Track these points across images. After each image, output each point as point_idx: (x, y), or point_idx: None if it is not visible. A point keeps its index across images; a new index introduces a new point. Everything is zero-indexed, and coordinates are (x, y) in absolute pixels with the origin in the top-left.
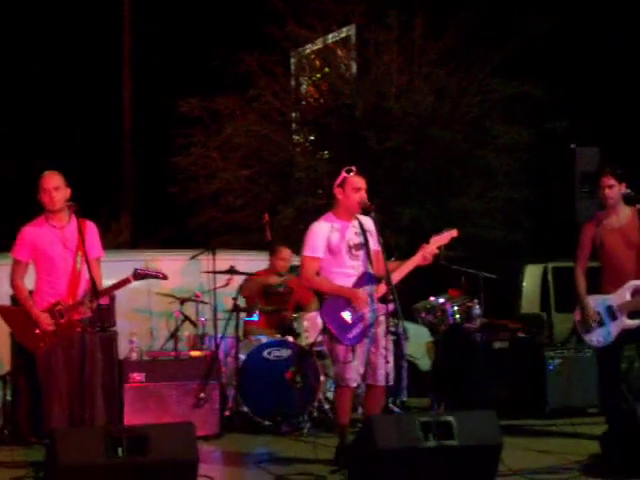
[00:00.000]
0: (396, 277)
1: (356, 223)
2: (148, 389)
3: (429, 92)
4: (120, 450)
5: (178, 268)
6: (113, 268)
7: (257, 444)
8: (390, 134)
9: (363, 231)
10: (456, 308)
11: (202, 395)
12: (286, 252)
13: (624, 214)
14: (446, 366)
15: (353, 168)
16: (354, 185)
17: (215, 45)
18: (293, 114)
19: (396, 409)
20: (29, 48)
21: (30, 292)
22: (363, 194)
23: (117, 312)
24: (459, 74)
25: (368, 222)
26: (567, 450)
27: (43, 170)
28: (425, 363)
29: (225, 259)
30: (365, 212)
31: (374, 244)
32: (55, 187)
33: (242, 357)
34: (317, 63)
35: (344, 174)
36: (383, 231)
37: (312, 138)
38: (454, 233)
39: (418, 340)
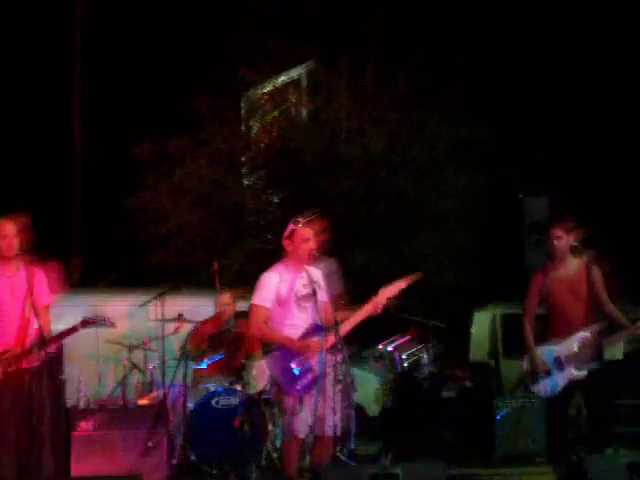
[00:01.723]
0: (346, 327)
1: (304, 274)
2: (96, 437)
3: (380, 137)
4: None
5: (126, 312)
6: (61, 312)
7: None
8: (340, 179)
9: (311, 281)
10: (405, 356)
11: (150, 444)
12: (226, 297)
13: (572, 265)
14: (395, 414)
15: (300, 219)
16: (303, 237)
17: (167, 87)
18: (243, 158)
19: (344, 458)
20: None
21: None
22: (312, 244)
23: (65, 356)
24: (410, 119)
25: (317, 273)
26: None
27: None
28: (373, 409)
29: (174, 305)
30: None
31: (322, 295)
32: (14, 234)
33: (190, 405)
34: (267, 106)
35: (292, 226)
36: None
37: (262, 183)
38: (402, 284)
39: (366, 386)
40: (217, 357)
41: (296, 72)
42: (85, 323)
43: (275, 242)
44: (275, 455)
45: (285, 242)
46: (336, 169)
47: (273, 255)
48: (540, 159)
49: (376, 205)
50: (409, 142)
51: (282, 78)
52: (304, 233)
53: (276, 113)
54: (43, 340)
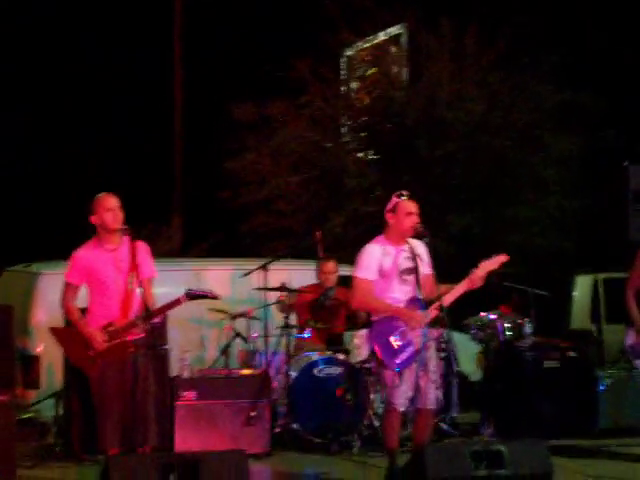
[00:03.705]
0: (446, 301)
1: (407, 247)
2: (199, 407)
3: (481, 99)
4: (172, 477)
5: (228, 278)
6: (163, 278)
7: (307, 464)
8: (441, 142)
9: (414, 256)
10: (507, 325)
11: (253, 413)
12: (329, 266)
13: None
14: (496, 384)
15: (404, 192)
16: (406, 210)
17: (268, 51)
18: (343, 120)
19: (446, 427)
20: (82, 49)
21: (82, 310)
22: (415, 219)
23: (169, 321)
24: (511, 80)
25: (419, 246)
26: (617, 474)
27: (94, 175)
28: (476, 376)
29: (277, 272)
30: (418, 237)
31: (425, 269)
32: (119, 206)
33: (293, 374)
34: (367, 64)
35: (395, 199)
36: (433, 240)
37: (362, 144)
38: (503, 258)
39: (468, 353)
40: (319, 326)
41: (396, 29)
42: (189, 295)
43: (376, 204)
44: (377, 424)
45: (388, 214)
46: (437, 131)
47: (374, 218)
48: None
49: (477, 168)
50: (510, 104)
51: (381, 35)
52: (408, 206)
53: (376, 69)
54: (148, 313)
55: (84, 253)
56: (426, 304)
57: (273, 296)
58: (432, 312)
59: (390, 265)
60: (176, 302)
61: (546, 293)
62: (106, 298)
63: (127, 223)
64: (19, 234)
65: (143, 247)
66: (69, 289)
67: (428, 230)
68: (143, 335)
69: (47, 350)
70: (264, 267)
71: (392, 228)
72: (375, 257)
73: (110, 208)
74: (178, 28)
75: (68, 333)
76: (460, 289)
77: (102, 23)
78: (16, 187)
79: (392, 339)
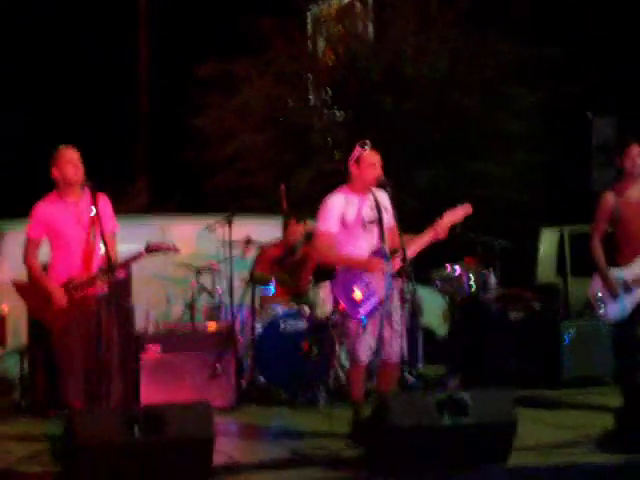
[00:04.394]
0: (410, 252)
1: (371, 197)
2: (164, 361)
3: (445, 54)
4: (136, 429)
5: (194, 234)
6: (128, 234)
7: (273, 416)
8: (406, 97)
9: (378, 206)
10: (472, 277)
11: (218, 367)
12: (297, 229)
13: None
14: (462, 336)
15: (367, 142)
16: (370, 161)
17: (232, 8)
18: (309, 76)
19: (411, 379)
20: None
21: (44, 267)
22: (379, 169)
23: (134, 278)
24: (475, 36)
25: (383, 197)
26: (581, 423)
27: (54, 132)
28: (441, 330)
29: (241, 225)
30: (381, 187)
31: (389, 220)
32: (79, 159)
33: (258, 328)
34: (333, 23)
35: (359, 149)
36: (399, 194)
37: (329, 101)
38: (468, 209)
39: (433, 307)
40: (284, 279)
41: None
42: (150, 249)
43: (341, 162)
44: (343, 377)
45: (352, 165)
46: (402, 87)
47: (340, 175)
48: (610, 78)
49: (441, 124)
50: (474, 59)
51: None
52: (371, 157)
53: (341, 27)
54: (110, 267)
55: (44, 207)
56: (390, 255)
57: (238, 251)
58: (396, 263)
59: (354, 215)
60: (138, 255)
61: (510, 244)
62: (67, 252)
63: (90, 179)
64: None
65: (104, 200)
66: (30, 244)
67: (391, 180)
68: (106, 290)
69: (13, 309)
70: (228, 219)
71: (356, 179)
72: (337, 208)
73: (70, 160)
74: None
75: (31, 288)
76: (425, 239)
77: None
78: None
79: (355, 289)
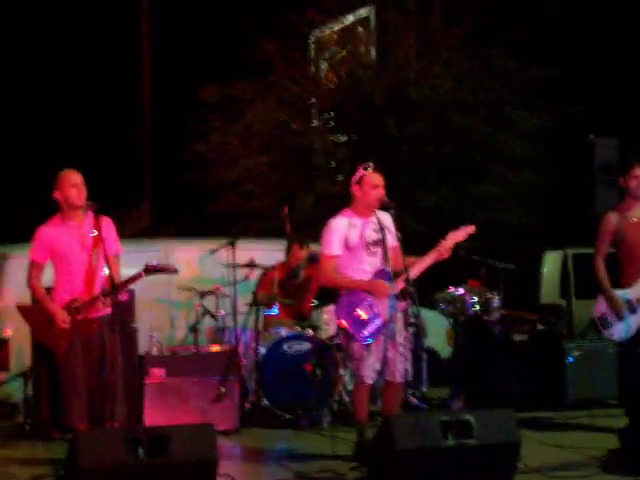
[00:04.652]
0: (413, 273)
1: (374, 219)
2: (168, 384)
3: (448, 77)
4: (141, 451)
5: (198, 258)
6: (132, 258)
7: (277, 439)
8: (409, 120)
9: (381, 227)
10: (475, 299)
11: (222, 390)
12: (300, 253)
13: None
14: (465, 358)
15: (370, 164)
16: (372, 182)
17: (234, 31)
18: (312, 99)
19: (415, 401)
20: (47, 31)
21: (47, 290)
22: (381, 191)
23: (138, 302)
24: (478, 59)
25: (386, 218)
26: (586, 444)
27: (58, 157)
28: (445, 352)
29: (244, 249)
30: (384, 209)
31: (392, 240)
32: (82, 183)
33: (262, 351)
34: (336, 46)
35: (361, 171)
36: (402, 217)
37: (332, 124)
38: (471, 229)
39: (437, 328)
40: (288, 302)
41: (364, 11)
42: (148, 270)
43: (344, 184)
44: (347, 399)
45: (354, 187)
46: (405, 110)
47: (343, 198)
48: (611, 99)
49: (445, 146)
50: (477, 81)
51: (350, 17)
52: (374, 179)
53: (344, 52)
54: (113, 288)
55: (47, 230)
56: (394, 276)
57: (242, 274)
58: (399, 284)
59: (357, 237)
60: (137, 276)
61: (513, 267)
62: (71, 275)
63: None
64: None
65: (108, 223)
66: (34, 267)
67: (394, 202)
68: (109, 312)
69: (17, 333)
70: (231, 243)
71: (358, 200)
72: (340, 231)
73: (74, 184)
74: (146, 9)
75: (35, 311)
76: (428, 260)
77: (66, 6)
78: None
79: (360, 311)
